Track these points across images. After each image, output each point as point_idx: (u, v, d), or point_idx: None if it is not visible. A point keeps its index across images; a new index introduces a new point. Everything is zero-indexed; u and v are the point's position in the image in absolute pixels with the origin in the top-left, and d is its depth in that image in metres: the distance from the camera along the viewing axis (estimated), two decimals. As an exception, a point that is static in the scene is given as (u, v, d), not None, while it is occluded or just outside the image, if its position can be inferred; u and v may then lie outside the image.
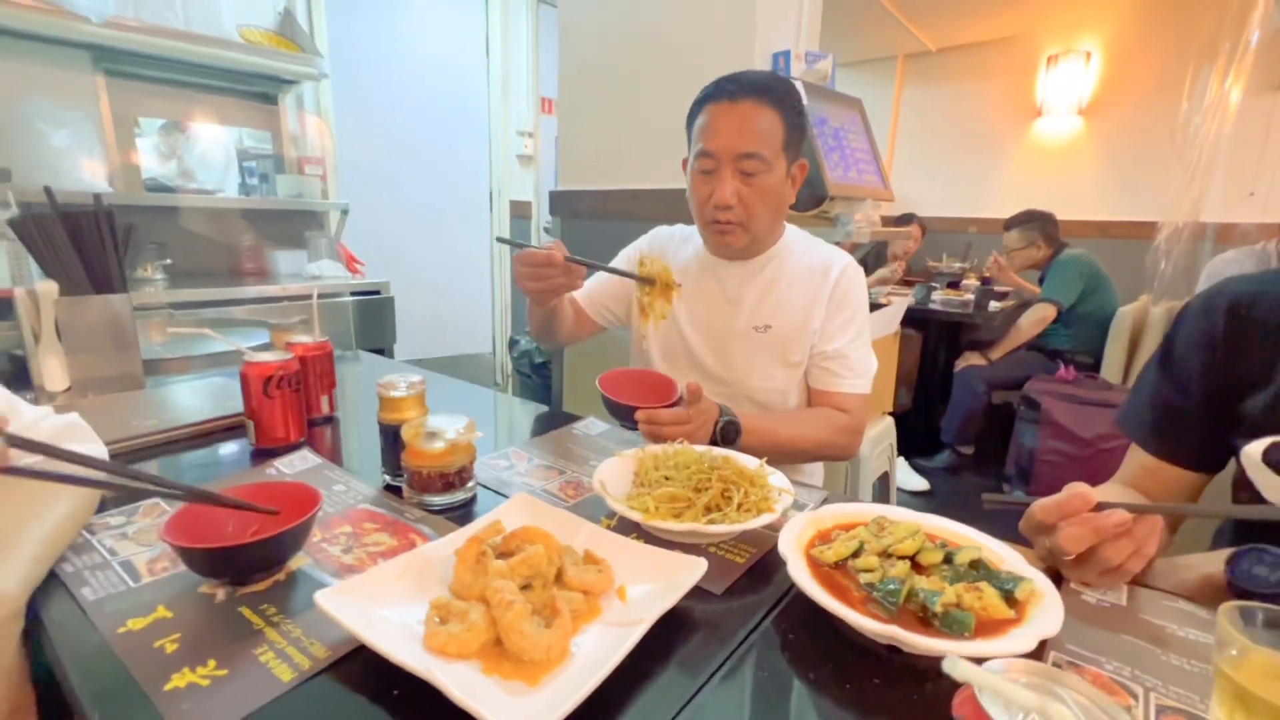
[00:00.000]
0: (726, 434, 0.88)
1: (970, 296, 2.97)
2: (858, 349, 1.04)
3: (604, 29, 1.92)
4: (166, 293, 1.91)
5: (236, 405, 0.89)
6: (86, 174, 2.01)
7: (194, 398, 1.03)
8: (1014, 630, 0.47)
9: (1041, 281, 2.80)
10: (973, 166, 3.86)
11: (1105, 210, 3.41)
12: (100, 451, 0.67)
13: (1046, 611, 0.48)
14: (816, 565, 0.55)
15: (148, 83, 2.16)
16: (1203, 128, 2.90)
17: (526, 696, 0.41)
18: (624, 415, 0.88)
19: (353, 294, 2.23)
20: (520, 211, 3.56)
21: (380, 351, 2.16)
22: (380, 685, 0.43)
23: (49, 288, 0.97)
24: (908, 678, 0.46)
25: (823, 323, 1.03)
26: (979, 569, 0.54)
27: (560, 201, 2.15)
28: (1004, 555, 0.56)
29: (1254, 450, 0.64)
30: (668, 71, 1.78)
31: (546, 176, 3.52)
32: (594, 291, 1.19)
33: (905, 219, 3.74)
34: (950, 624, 0.47)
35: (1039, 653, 0.47)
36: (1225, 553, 0.62)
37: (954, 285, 3.41)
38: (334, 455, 0.86)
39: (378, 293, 2.35)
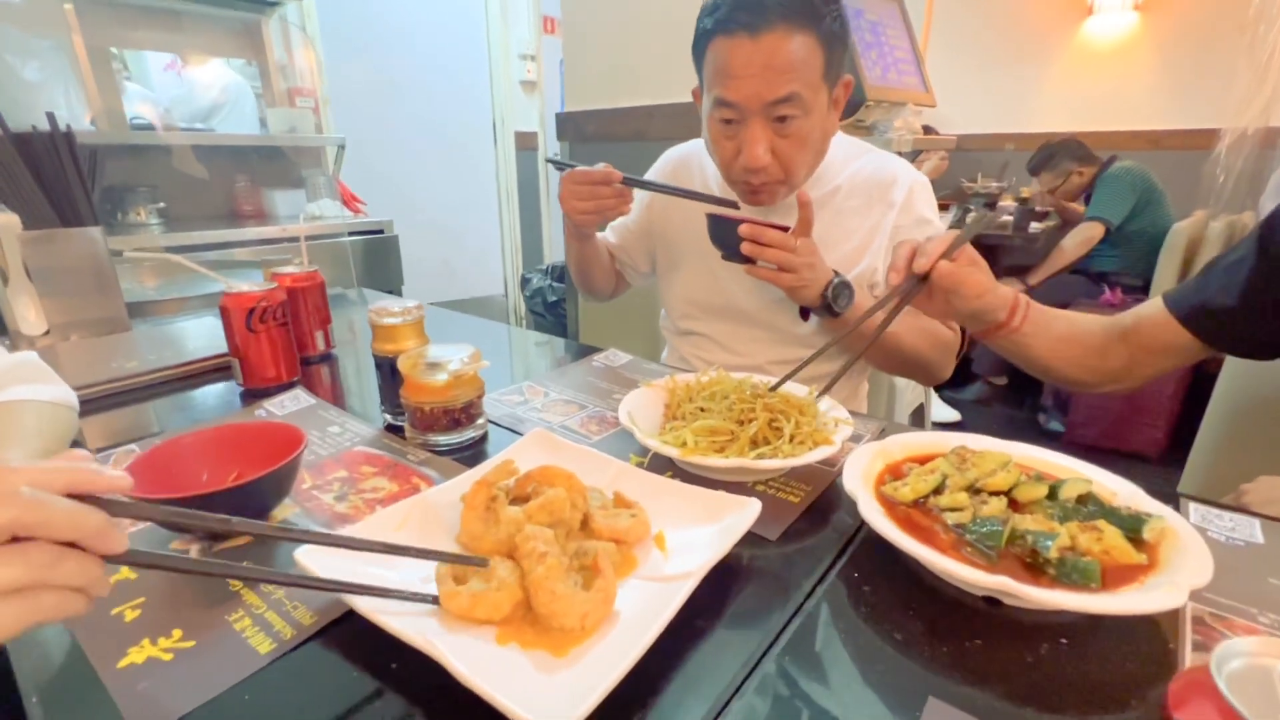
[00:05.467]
0: (839, 296, 0.76)
1: (1009, 218, 2.78)
2: None
3: (610, -78, 1.72)
4: (162, 236, 1.82)
5: (219, 347, 0.81)
6: (64, 111, 1.89)
7: (181, 338, 0.95)
8: (1149, 579, 0.38)
9: (1088, 200, 2.60)
10: (1012, 77, 3.55)
11: (1158, 119, 3.13)
12: (67, 394, 0.59)
13: (1187, 555, 0.39)
14: (890, 505, 0.46)
15: (121, 9, 2.01)
16: (1278, 22, 2.61)
17: (553, 674, 0.33)
18: (727, 237, 0.76)
19: (354, 234, 2.12)
20: (526, 143, 3.37)
21: (389, 294, 2.07)
22: (376, 657, 0.36)
23: (10, 220, 0.88)
24: (1015, 636, 0.38)
25: (887, 258, 0.86)
26: (1089, 504, 0.45)
27: (568, 124, 1.99)
28: (1116, 488, 0.47)
29: None
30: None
31: (551, 104, 3.31)
32: (613, 248, 1.05)
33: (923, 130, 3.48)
34: (1070, 572, 0.38)
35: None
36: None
37: (990, 206, 3.19)
38: (333, 395, 0.79)
39: (381, 232, 2.24)
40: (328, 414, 0.69)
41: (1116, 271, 2.52)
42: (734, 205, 0.82)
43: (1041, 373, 0.72)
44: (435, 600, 0.37)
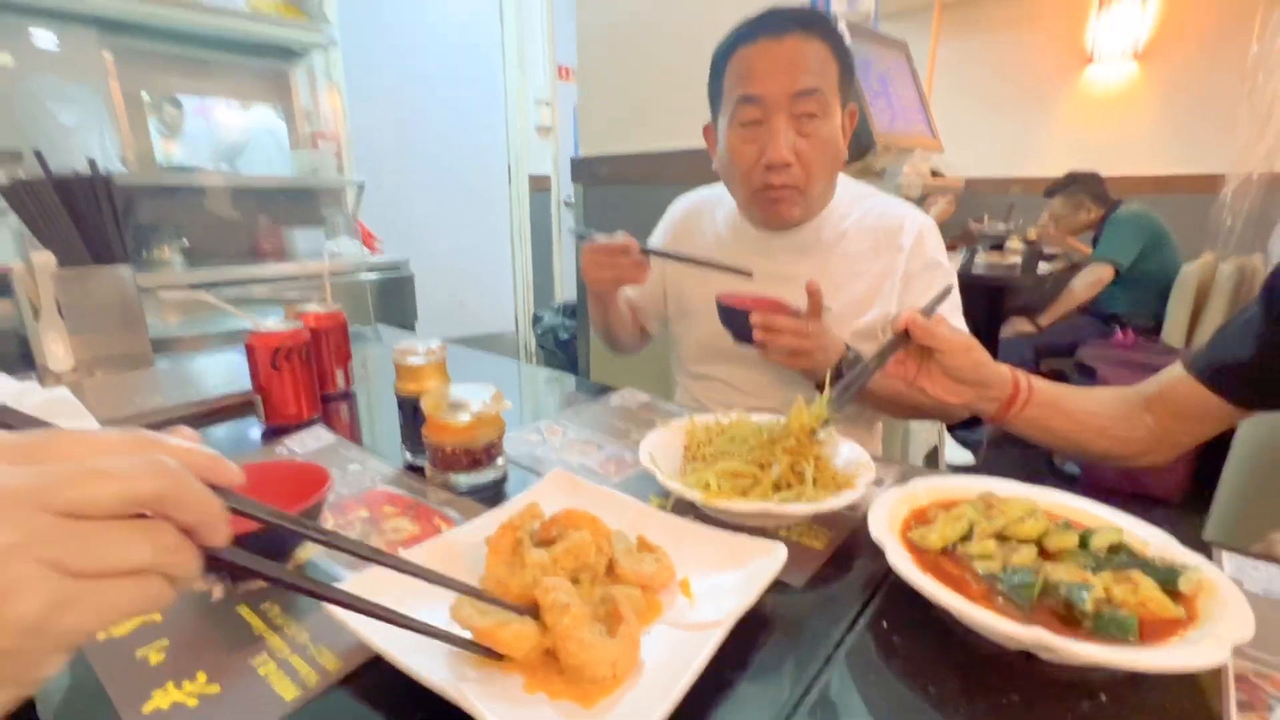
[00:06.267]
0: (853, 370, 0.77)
1: (1016, 259, 2.80)
2: (959, 322, 0.88)
3: (625, -18, 1.80)
4: (185, 274, 1.86)
5: (248, 383, 0.82)
6: (98, 154, 1.96)
7: (204, 375, 0.97)
8: (1189, 633, 0.37)
9: (1095, 241, 2.62)
10: (1016, 122, 3.63)
11: (1163, 164, 3.18)
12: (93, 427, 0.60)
13: (1227, 608, 0.38)
14: (918, 552, 0.46)
15: (156, 58, 2.10)
16: (1277, 71, 2.67)
17: (581, 723, 0.32)
18: (739, 324, 0.77)
19: (371, 271, 2.16)
20: (539, 186, 3.46)
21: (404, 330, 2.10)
22: (403, 703, 0.35)
23: (45, 259, 0.90)
24: (1054, 693, 0.37)
25: (901, 300, 0.88)
26: (1121, 554, 0.44)
27: (582, 169, 2.05)
28: (1148, 537, 0.46)
29: None
30: (693, 23, 1.64)
31: (565, 149, 3.40)
32: (634, 301, 1.07)
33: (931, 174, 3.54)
34: (1108, 626, 0.37)
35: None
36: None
37: (997, 247, 3.22)
38: (351, 433, 0.79)
39: (397, 270, 2.29)
40: (349, 452, 0.70)
41: (1127, 313, 2.52)
42: (748, 274, 0.83)
43: (1072, 450, 0.70)
44: (471, 644, 0.36)
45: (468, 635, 0.36)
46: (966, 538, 0.46)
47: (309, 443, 0.72)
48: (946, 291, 0.71)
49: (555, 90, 3.38)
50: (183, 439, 0.28)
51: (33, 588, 0.21)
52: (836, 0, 1.50)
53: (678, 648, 0.38)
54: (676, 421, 0.67)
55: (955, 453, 2.51)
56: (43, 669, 0.22)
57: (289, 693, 0.36)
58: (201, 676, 0.37)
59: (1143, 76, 3.21)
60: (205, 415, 0.81)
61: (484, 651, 0.36)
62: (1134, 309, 2.52)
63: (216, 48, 2.18)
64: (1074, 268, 2.69)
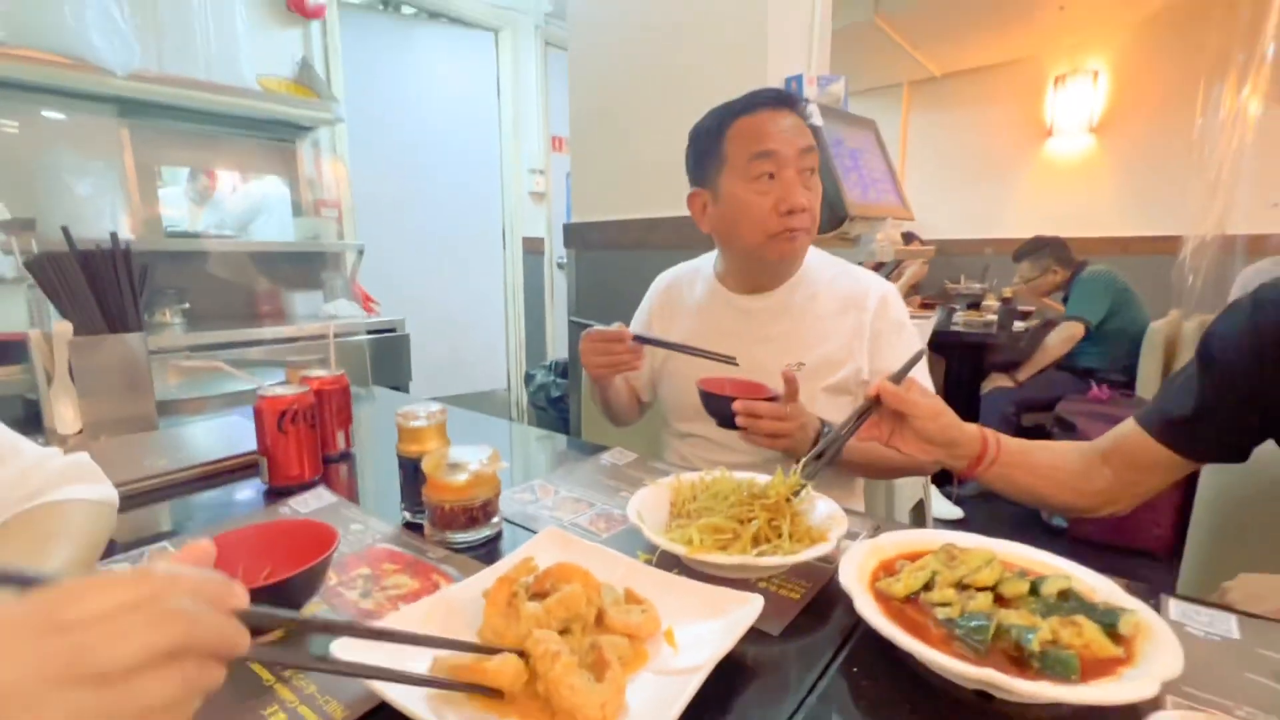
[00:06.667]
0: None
1: (993, 317, 2.91)
2: (925, 378, 0.94)
3: (614, 65, 1.94)
4: (185, 336, 1.91)
5: (249, 444, 0.86)
6: (109, 222, 2.04)
7: (207, 437, 1.00)
8: (1126, 671, 0.41)
9: (1066, 300, 2.74)
10: (985, 189, 3.84)
11: (1125, 227, 3.36)
12: (111, 493, 0.63)
13: (1160, 648, 0.42)
14: (884, 600, 0.49)
15: (170, 132, 2.22)
16: (1220, 140, 2.87)
17: (573, 762, 0.35)
18: (722, 411, 0.83)
19: (369, 332, 2.22)
20: (532, 248, 3.58)
21: (396, 389, 2.13)
22: (404, 749, 0.38)
23: (64, 328, 0.95)
24: (1006, 729, 0.40)
25: (870, 357, 0.96)
26: (1070, 600, 0.48)
27: (574, 234, 2.15)
28: (1095, 584, 0.50)
29: None
30: (680, 100, 1.78)
31: (557, 213, 3.54)
32: (626, 376, 1.13)
33: (904, 238, 3.70)
34: (1052, 665, 0.41)
35: (1157, 699, 0.41)
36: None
37: (974, 306, 3.35)
38: (350, 493, 0.82)
39: (393, 330, 2.35)
40: (350, 512, 0.73)
41: (1101, 368, 2.60)
42: (733, 360, 0.90)
43: (1035, 502, 0.75)
44: (465, 685, 0.39)
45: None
46: (929, 586, 0.50)
47: (311, 503, 0.75)
48: (917, 358, 0.77)
49: (549, 159, 3.55)
50: (193, 556, 0.31)
51: None
52: (809, 85, 1.63)
53: (661, 692, 0.41)
54: (664, 480, 0.71)
55: (944, 507, 2.53)
56: None
57: (299, 740, 0.38)
58: (216, 726, 0.39)
59: (1100, 148, 3.43)
60: (209, 476, 0.84)
61: (480, 690, 0.39)
62: (1107, 364, 2.61)
63: (228, 123, 2.30)
64: (1048, 325, 2.80)
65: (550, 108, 3.49)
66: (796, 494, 0.63)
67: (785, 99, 0.93)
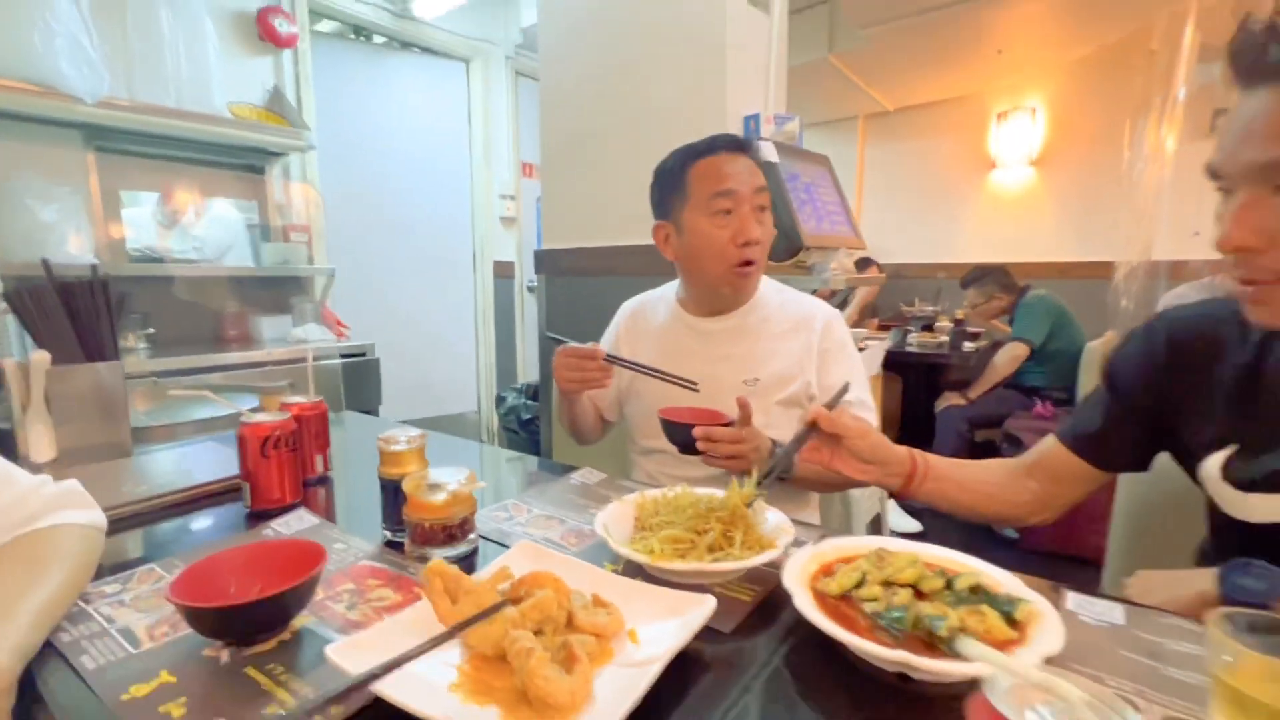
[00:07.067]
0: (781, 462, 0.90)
1: (945, 338, 3.07)
2: (866, 394, 1.06)
3: (584, 97, 2.03)
4: (149, 361, 1.89)
5: (228, 470, 0.89)
6: (73, 247, 2.02)
7: (183, 464, 1.02)
8: (1018, 650, 0.48)
9: (1011, 322, 2.91)
10: (937, 216, 4.05)
11: (1064, 252, 3.58)
12: (100, 518, 0.66)
13: (1047, 631, 0.49)
14: (821, 598, 0.56)
15: (138, 158, 2.22)
16: (1145, 174, 3.11)
17: (546, 740, 0.41)
18: (683, 438, 0.90)
19: (340, 356, 2.23)
20: (503, 272, 3.63)
21: (367, 413, 2.15)
22: (395, 739, 0.43)
23: (42, 358, 0.97)
24: (920, 705, 0.47)
25: (818, 374, 1.05)
26: (979, 593, 0.55)
27: (545, 260, 2.21)
28: (1001, 579, 0.58)
29: (1211, 467, 0.67)
30: (646, 134, 1.87)
31: (528, 237, 3.61)
32: (594, 395, 1.20)
33: (862, 263, 3.87)
34: (956, 647, 0.48)
35: (1044, 672, 0.48)
36: (1215, 570, 0.65)
37: (928, 328, 3.51)
38: (329, 514, 0.86)
39: (364, 355, 2.36)
40: (331, 532, 0.77)
41: (1045, 386, 2.76)
42: (694, 386, 0.98)
43: (970, 515, 0.84)
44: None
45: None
46: (860, 585, 0.57)
47: (293, 525, 0.78)
48: (844, 389, 0.87)
49: (519, 185, 3.62)
50: None
51: None
52: (766, 123, 1.74)
53: (624, 682, 0.46)
54: (629, 496, 0.77)
55: (903, 520, 2.64)
56: None
57: (299, 734, 0.43)
58: (221, 724, 0.44)
59: (1039, 179, 3.66)
60: (191, 501, 0.87)
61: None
62: (1050, 382, 2.77)
63: (198, 150, 2.31)
64: (995, 345, 2.96)
65: (521, 135, 3.58)
66: (750, 504, 0.69)
67: (740, 144, 1.03)
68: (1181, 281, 2.63)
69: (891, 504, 2.65)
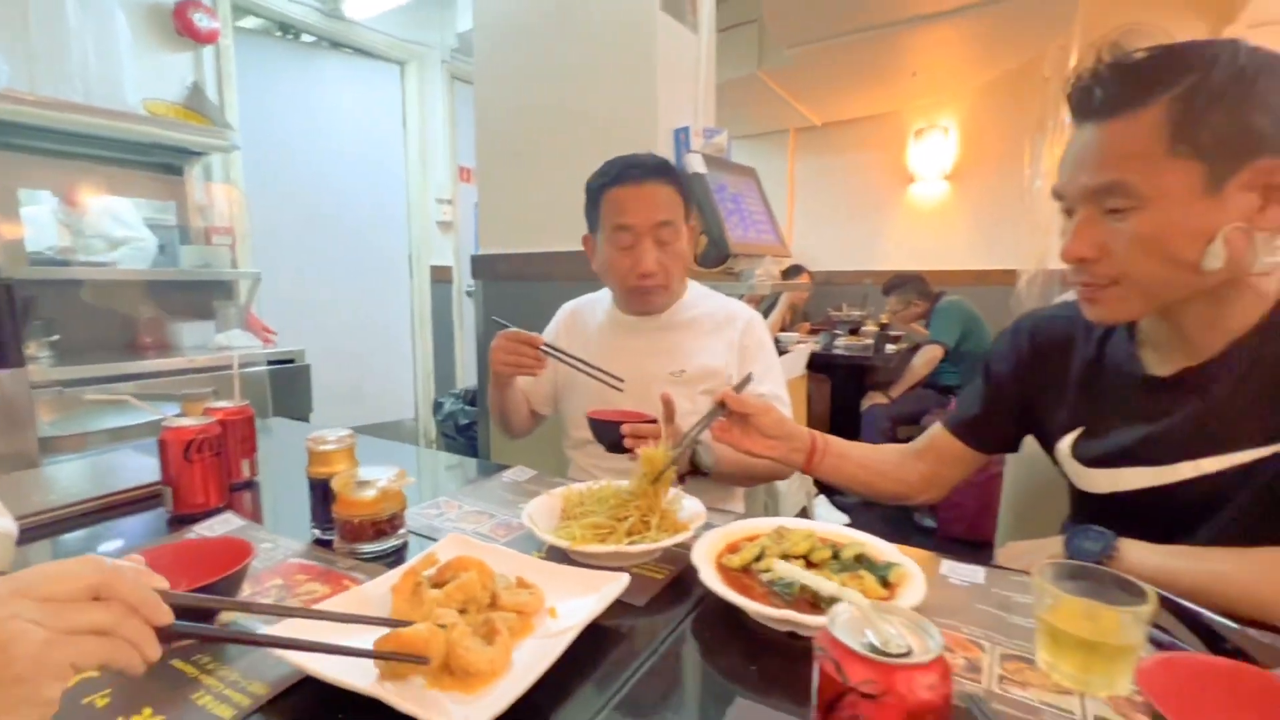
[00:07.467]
0: (700, 454, 0.98)
1: (870, 341, 3.25)
2: (782, 390, 1.15)
3: (519, 105, 2.06)
4: (54, 370, 1.79)
5: (148, 476, 0.87)
6: (-36, 248, 1.88)
7: (100, 471, 0.99)
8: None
9: (929, 326, 3.12)
10: (862, 225, 4.28)
11: (975, 261, 3.86)
12: (10, 525, 0.65)
13: (913, 588, 0.57)
14: (725, 571, 0.62)
15: (41, 155, 2.09)
16: (1043, 190, 3.40)
17: (467, 704, 0.44)
18: (610, 437, 0.95)
19: (268, 363, 2.16)
20: (440, 276, 3.59)
21: (299, 420, 2.09)
22: (324, 714, 0.46)
23: (-63, 364, 0.92)
24: (805, 658, 0.53)
25: (739, 368, 1.13)
26: (862, 561, 0.63)
27: (482, 265, 2.22)
28: (884, 549, 0.66)
29: (1064, 447, 0.78)
30: (581, 144, 1.92)
31: (466, 241, 3.58)
32: (526, 387, 1.24)
33: (794, 270, 4.06)
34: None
35: (910, 624, 0.56)
36: (1063, 536, 0.75)
37: (855, 331, 3.70)
38: (257, 517, 0.86)
39: (292, 361, 2.30)
40: (259, 533, 0.77)
41: (958, 386, 2.98)
42: (619, 382, 1.05)
43: (866, 491, 0.93)
44: (394, 654, 0.47)
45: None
46: (760, 558, 0.63)
47: (219, 528, 0.78)
48: (749, 378, 0.96)
49: (456, 189, 3.60)
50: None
51: (28, 636, 0.33)
52: (695, 137, 1.82)
53: (541, 651, 0.51)
54: (556, 490, 0.81)
55: (830, 513, 2.77)
56: (47, 691, 0.34)
57: (226, 713, 0.45)
58: (147, 710, 0.45)
59: (953, 193, 3.94)
60: (108, 509, 0.85)
61: (409, 659, 0.47)
62: (963, 382, 2.98)
63: (107, 147, 2.20)
64: (915, 348, 3.17)
65: (458, 139, 3.55)
66: (664, 470, 0.74)
67: (653, 170, 1.08)
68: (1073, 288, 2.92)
69: (821, 498, 2.79)
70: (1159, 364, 0.72)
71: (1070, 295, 0.82)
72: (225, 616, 0.58)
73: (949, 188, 3.95)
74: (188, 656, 0.52)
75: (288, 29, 3.04)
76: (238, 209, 2.54)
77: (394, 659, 0.46)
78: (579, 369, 1.07)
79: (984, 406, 0.88)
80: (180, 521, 0.81)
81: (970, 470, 0.93)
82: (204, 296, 2.42)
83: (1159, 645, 0.52)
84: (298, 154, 3.05)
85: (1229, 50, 0.58)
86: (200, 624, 0.53)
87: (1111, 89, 0.62)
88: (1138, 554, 0.66)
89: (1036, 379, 0.84)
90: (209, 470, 0.84)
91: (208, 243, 2.42)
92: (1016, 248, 3.53)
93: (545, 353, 1.05)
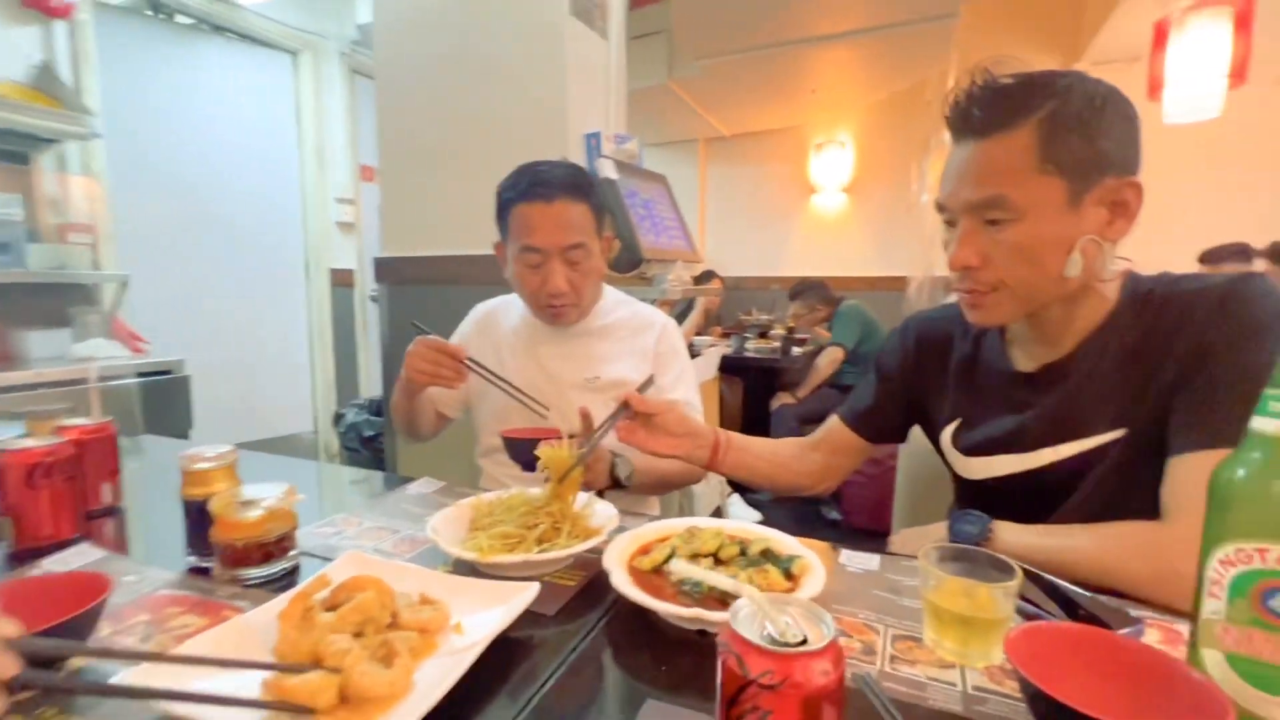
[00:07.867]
0: (619, 467, 0.97)
1: (778, 344, 3.39)
2: (694, 395, 1.17)
3: (423, 103, 1.98)
4: None
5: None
6: None
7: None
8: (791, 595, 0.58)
9: (831, 329, 3.29)
10: (770, 234, 4.47)
11: (871, 269, 4.13)
12: None
13: (814, 579, 0.60)
14: (637, 573, 0.62)
15: None
16: (928, 204, 3.69)
17: (362, 732, 0.42)
18: (525, 456, 0.89)
19: (138, 375, 1.95)
20: (342, 280, 3.39)
21: (179, 438, 1.90)
22: (195, 760, 0.41)
23: None
24: (715, 653, 0.54)
25: (654, 369, 1.13)
26: (768, 556, 0.65)
27: (386, 268, 2.11)
28: (788, 543, 0.68)
29: (945, 436, 0.85)
30: (490, 145, 1.88)
31: (370, 244, 3.41)
32: (432, 395, 1.19)
33: (706, 275, 4.17)
34: (742, 600, 0.56)
35: (811, 613, 0.58)
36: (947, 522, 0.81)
37: (764, 335, 3.85)
38: (121, 548, 0.77)
39: (169, 373, 2.09)
40: (121, 565, 0.69)
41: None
42: (545, 409, 1.04)
43: (768, 484, 0.97)
44: (278, 704, 0.43)
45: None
46: (670, 558, 0.64)
47: (72, 561, 0.69)
48: (649, 381, 0.97)
49: (359, 189, 3.41)
50: None
51: None
52: (606, 142, 1.83)
53: (445, 669, 0.48)
54: (464, 500, 0.79)
55: (744, 511, 2.86)
56: None
57: (76, 772, 0.40)
58: (-27, 779, 0.39)
59: (851, 204, 4.20)
60: (-74, 548, 0.73)
61: (291, 709, 0.43)
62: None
63: (-68, 129, 1.91)
64: (819, 350, 3.34)
65: (360, 136, 3.38)
66: (567, 475, 0.74)
67: (563, 187, 1.02)
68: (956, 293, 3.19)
69: (735, 497, 2.88)
70: (1025, 361, 0.80)
71: (953, 298, 0.90)
72: (76, 662, 0.51)
73: (847, 199, 4.21)
74: (30, 711, 0.45)
75: (160, 8, 2.77)
76: (99, 204, 2.28)
77: (274, 708, 0.42)
78: (504, 390, 1.04)
79: (875, 399, 0.95)
80: (24, 557, 0.71)
81: (860, 460, 1.00)
82: (58, 301, 2.15)
83: (1026, 617, 0.57)
84: (174, 146, 2.78)
85: (1078, 80, 0.66)
86: (44, 671, 0.47)
87: (988, 109, 0.68)
88: (1010, 534, 0.72)
89: (921, 374, 0.90)
90: (59, 497, 0.74)
91: (62, 241, 2.16)
92: (907, 256, 3.82)
93: (468, 367, 1.01)
